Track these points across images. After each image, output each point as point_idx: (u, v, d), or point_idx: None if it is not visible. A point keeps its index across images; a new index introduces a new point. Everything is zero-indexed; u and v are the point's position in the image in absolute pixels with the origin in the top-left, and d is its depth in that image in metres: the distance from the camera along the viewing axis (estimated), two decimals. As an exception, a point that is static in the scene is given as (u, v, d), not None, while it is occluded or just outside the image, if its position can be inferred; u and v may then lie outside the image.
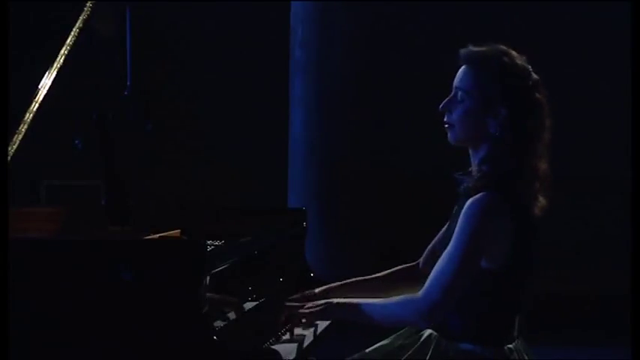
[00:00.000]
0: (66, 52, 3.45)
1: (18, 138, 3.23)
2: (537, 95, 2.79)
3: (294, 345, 3.02)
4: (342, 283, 3.24)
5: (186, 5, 7.09)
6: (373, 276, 3.25)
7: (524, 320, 2.93)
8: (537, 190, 2.80)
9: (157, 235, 3.16)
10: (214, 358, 2.68)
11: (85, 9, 3.54)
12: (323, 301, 2.95)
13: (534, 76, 2.82)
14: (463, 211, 2.73)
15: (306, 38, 6.67)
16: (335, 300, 2.93)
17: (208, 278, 2.74)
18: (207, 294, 2.74)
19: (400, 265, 3.24)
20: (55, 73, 3.41)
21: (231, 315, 2.98)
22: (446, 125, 2.85)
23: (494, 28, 6.37)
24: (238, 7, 7.12)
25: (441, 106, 2.85)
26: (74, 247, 2.82)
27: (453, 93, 2.84)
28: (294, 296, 3.14)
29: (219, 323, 2.87)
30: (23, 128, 3.26)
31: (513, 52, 2.84)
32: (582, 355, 5.67)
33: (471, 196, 2.73)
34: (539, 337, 3.71)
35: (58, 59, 3.44)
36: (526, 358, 2.85)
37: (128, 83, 3.56)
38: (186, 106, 7.21)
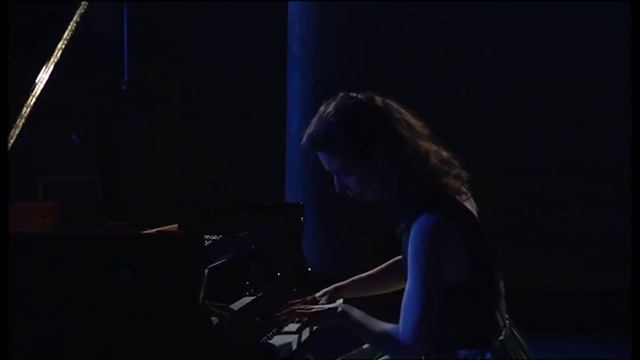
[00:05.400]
0: (63, 47, 3.45)
1: (15, 133, 3.23)
2: (377, 115, 2.77)
3: (291, 340, 3.01)
4: (339, 285, 3.23)
5: (183, 2, 7.09)
6: (369, 273, 3.24)
7: (510, 307, 2.90)
8: (452, 179, 2.77)
9: (154, 230, 3.16)
10: (212, 353, 2.68)
11: (83, 5, 3.54)
12: (327, 307, 2.95)
13: (364, 101, 2.79)
14: (409, 243, 2.71)
15: (304, 35, 6.66)
16: (339, 307, 2.89)
17: (206, 272, 2.74)
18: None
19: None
20: (52, 68, 3.41)
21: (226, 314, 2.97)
22: (359, 198, 2.87)
23: (495, 28, 6.36)
24: (235, 4, 7.12)
25: (337, 191, 2.87)
26: (71, 242, 2.82)
27: (335, 178, 2.85)
28: (295, 300, 3.10)
29: (216, 318, 2.86)
30: (20, 123, 3.26)
31: (335, 102, 2.80)
32: (582, 352, 5.66)
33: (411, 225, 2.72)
34: (539, 334, 3.70)
35: (55, 54, 3.44)
36: (518, 349, 2.83)
37: (126, 79, 3.56)
38: (183, 102, 7.21)
